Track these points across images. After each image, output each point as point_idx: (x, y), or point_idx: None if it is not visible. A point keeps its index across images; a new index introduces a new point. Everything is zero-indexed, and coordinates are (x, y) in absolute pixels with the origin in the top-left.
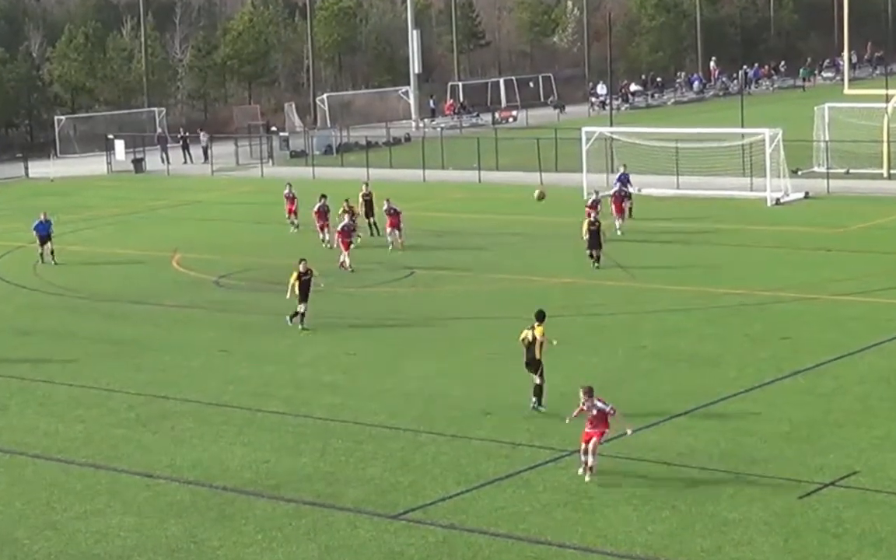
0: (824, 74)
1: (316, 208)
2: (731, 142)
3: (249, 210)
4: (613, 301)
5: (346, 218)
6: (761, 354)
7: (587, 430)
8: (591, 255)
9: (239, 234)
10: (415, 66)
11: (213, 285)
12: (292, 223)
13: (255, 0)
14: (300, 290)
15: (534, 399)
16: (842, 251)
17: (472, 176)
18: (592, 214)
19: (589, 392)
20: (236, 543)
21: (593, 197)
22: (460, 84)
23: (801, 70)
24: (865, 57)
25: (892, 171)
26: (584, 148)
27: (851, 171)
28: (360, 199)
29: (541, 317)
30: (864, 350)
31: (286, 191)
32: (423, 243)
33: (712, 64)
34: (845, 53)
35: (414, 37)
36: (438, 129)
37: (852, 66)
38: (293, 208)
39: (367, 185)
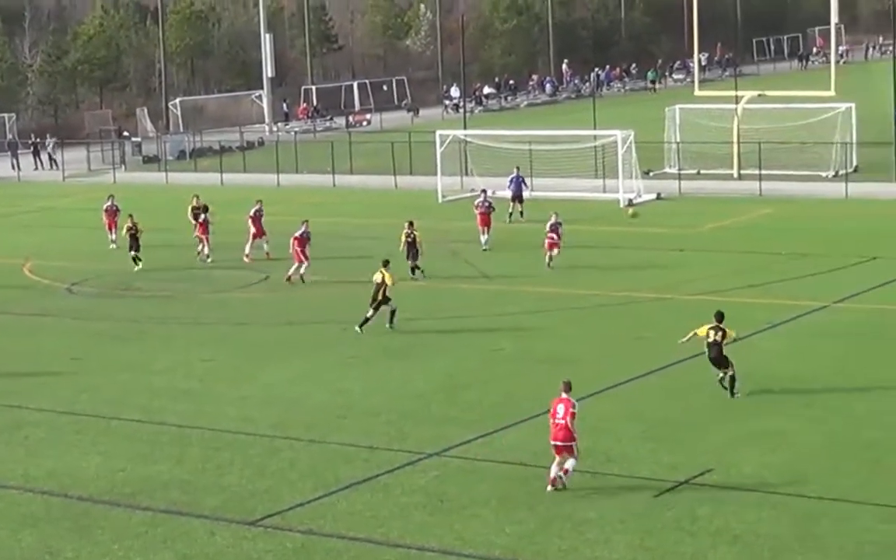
0: (675, 76)
1: (252, 212)
2: (583, 144)
3: (101, 216)
4: (470, 304)
5: (131, 234)
6: (617, 354)
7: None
8: (412, 268)
9: (91, 240)
10: (268, 70)
11: (65, 293)
12: (113, 240)
13: (105, 4)
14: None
15: (727, 390)
16: (694, 251)
17: (326, 180)
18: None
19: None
20: (92, 553)
21: (552, 220)
22: (314, 88)
23: (649, 73)
24: (715, 59)
25: (742, 172)
26: (439, 151)
27: (702, 171)
28: (190, 211)
29: (720, 317)
30: None
31: (107, 203)
32: (277, 248)
33: (564, 66)
34: (695, 55)
35: (266, 40)
36: (292, 133)
37: (702, 68)
38: (113, 222)
39: (197, 197)
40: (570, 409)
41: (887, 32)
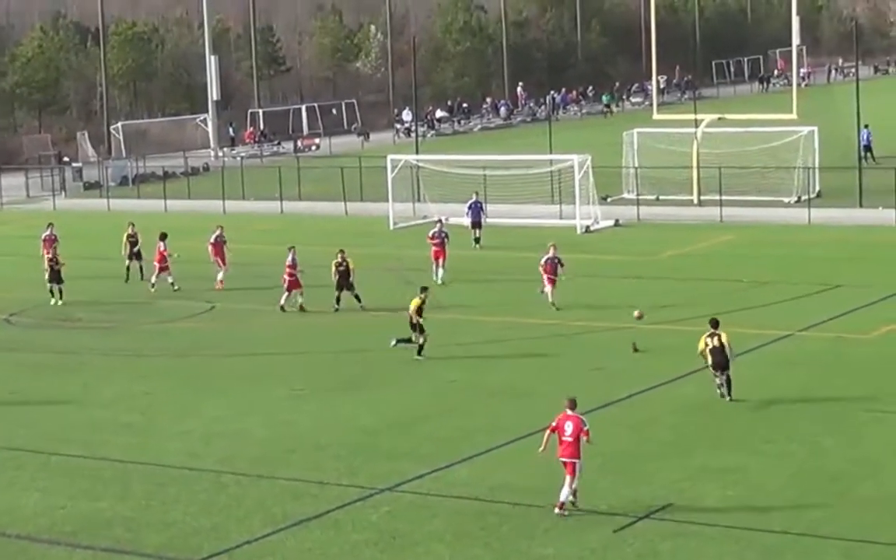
0: (633, 99)
1: (212, 239)
2: (539, 168)
3: (40, 245)
4: None
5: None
6: (573, 386)
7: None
8: (342, 298)
9: (30, 269)
10: (213, 93)
11: (2, 323)
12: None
13: (44, 25)
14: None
15: (727, 395)
16: (653, 279)
17: (273, 207)
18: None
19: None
20: None
21: (549, 254)
22: (260, 111)
23: (604, 96)
24: (674, 81)
25: (702, 198)
26: (390, 176)
27: (661, 197)
28: (125, 241)
29: (715, 323)
30: (676, 380)
31: (46, 232)
32: (230, 278)
33: (519, 89)
34: (654, 78)
35: (212, 62)
36: (238, 159)
37: (661, 91)
38: (50, 252)
39: (132, 225)
40: (584, 427)
41: (850, 54)
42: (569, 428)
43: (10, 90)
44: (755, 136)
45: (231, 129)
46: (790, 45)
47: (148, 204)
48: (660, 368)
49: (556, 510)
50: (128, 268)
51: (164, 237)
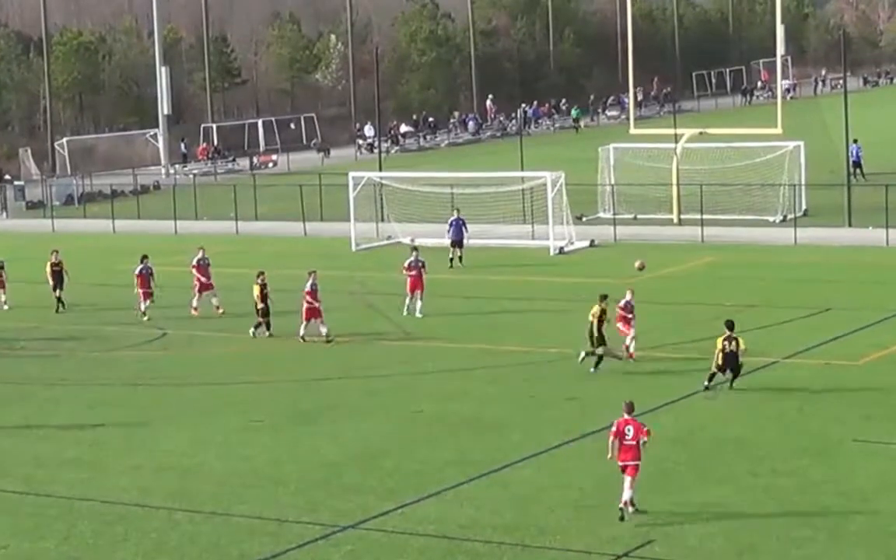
0: (609, 113)
1: (194, 261)
2: (510, 186)
3: None
4: (389, 361)
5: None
6: (547, 416)
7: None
8: (259, 325)
9: None
10: (164, 107)
11: None
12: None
13: None
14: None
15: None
16: None
17: (229, 227)
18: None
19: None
20: None
21: (627, 298)
22: (214, 126)
23: (574, 110)
24: (652, 93)
25: (682, 217)
26: (352, 194)
27: (639, 216)
28: (49, 269)
29: (731, 325)
30: (656, 409)
31: None
32: (175, 301)
33: (489, 102)
34: (631, 90)
35: (163, 74)
36: (191, 176)
37: (638, 104)
38: (2, 280)
39: (56, 252)
40: (643, 428)
41: (837, 65)
42: (630, 432)
43: None
44: (738, 152)
45: (183, 145)
46: (774, 55)
47: (95, 224)
48: (637, 398)
49: (630, 509)
50: (59, 299)
51: (145, 258)
